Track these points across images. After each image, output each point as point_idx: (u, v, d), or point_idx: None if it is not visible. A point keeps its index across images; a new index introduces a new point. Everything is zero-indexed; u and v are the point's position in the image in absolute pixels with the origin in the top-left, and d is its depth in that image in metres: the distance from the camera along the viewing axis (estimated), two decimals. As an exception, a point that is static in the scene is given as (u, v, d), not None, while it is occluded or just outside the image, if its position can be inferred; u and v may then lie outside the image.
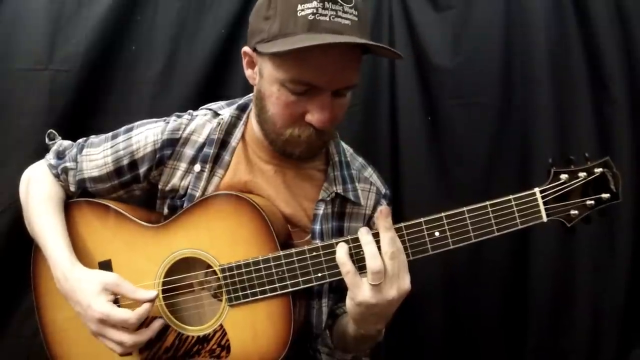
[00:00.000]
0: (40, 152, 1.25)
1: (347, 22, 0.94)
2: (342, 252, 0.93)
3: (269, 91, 1.01)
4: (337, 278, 0.98)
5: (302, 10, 0.92)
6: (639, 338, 1.65)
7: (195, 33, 1.70)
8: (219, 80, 1.71)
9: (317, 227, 1.13)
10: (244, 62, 1.08)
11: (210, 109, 1.18)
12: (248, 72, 1.09)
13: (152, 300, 1.04)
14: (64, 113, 1.59)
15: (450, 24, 1.74)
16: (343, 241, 0.96)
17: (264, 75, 1.02)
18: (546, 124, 1.67)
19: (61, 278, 1.07)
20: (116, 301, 1.06)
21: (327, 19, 0.92)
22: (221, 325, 1.07)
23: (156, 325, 1.06)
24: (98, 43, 1.63)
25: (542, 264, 1.67)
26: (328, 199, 1.15)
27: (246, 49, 1.06)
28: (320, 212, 1.13)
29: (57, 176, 1.19)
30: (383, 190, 1.24)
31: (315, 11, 0.91)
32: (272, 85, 1.00)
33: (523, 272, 1.70)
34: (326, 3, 0.92)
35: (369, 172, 1.25)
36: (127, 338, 1.02)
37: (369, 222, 1.20)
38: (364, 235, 0.92)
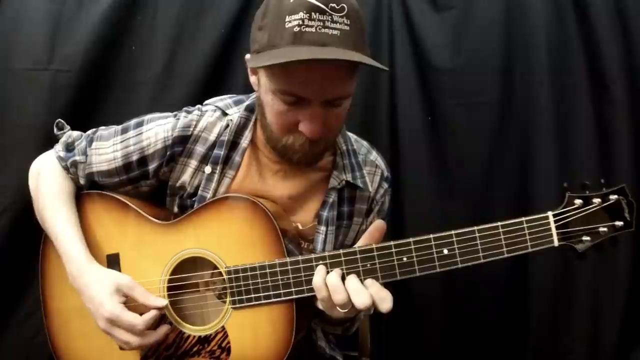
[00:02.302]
0: (40, 152, 1.25)
1: (335, 32, 0.92)
2: (318, 277, 0.96)
3: (265, 100, 1.03)
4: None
5: (289, 22, 0.92)
6: (638, 339, 1.66)
7: (195, 33, 1.70)
8: (219, 80, 1.70)
9: (325, 214, 1.16)
10: (248, 69, 1.09)
11: (217, 107, 1.18)
12: (252, 79, 1.10)
13: (161, 308, 1.06)
14: (64, 113, 1.57)
15: (450, 24, 1.74)
16: (322, 263, 0.98)
17: (260, 84, 1.04)
18: (546, 123, 1.68)
19: (75, 273, 1.08)
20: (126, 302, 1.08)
21: (313, 30, 0.91)
22: (223, 327, 1.07)
23: (163, 330, 1.08)
24: (98, 43, 1.63)
25: (542, 264, 1.68)
26: (339, 187, 1.17)
27: (248, 56, 1.06)
28: (330, 199, 1.16)
29: (66, 169, 1.19)
30: (386, 173, 1.27)
31: (301, 22, 0.91)
32: (267, 95, 1.02)
33: (523, 271, 1.70)
34: (313, 14, 0.91)
35: (374, 156, 1.28)
36: (133, 339, 1.04)
37: (372, 203, 1.24)
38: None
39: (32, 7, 1.61)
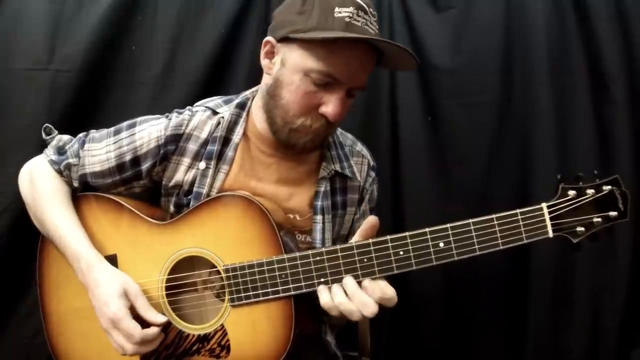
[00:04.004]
0: (41, 152, 1.25)
1: (372, 30, 1.05)
2: (326, 297, 0.98)
3: (289, 79, 1.07)
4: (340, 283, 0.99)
5: (340, 12, 1.02)
6: (639, 338, 1.65)
7: (195, 33, 1.70)
8: (219, 80, 1.71)
9: (319, 203, 1.19)
10: (263, 51, 1.13)
11: (207, 107, 1.20)
12: (265, 62, 1.13)
13: (159, 326, 1.06)
14: (64, 113, 1.58)
15: (450, 24, 1.74)
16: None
17: (286, 64, 1.08)
18: (546, 124, 1.68)
19: (85, 269, 1.08)
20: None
21: (359, 25, 1.03)
22: (222, 325, 1.07)
23: (157, 341, 1.07)
24: (98, 43, 1.63)
25: (542, 263, 1.68)
26: (328, 176, 1.21)
27: (269, 38, 1.11)
28: (322, 189, 1.20)
29: (59, 172, 1.19)
30: (372, 162, 1.33)
31: (351, 15, 1.02)
32: (294, 74, 1.06)
33: (523, 271, 1.70)
34: (360, 12, 1.03)
35: (360, 147, 1.33)
36: (128, 347, 1.04)
37: (362, 192, 1.29)
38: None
39: (32, 7, 1.61)
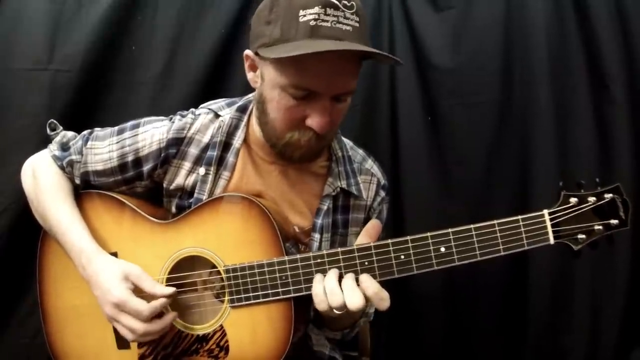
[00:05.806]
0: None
1: (348, 27, 0.94)
2: (319, 287, 0.97)
3: (270, 95, 1.02)
4: None
5: (304, 15, 0.92)
6: (638, 338, 1.65)
7: (195, 33, 1.70)
8: (219, 80, 1.71)
9: (319, 221, 1.16)
10: (246, 65, 1.09)
11: (211, 109, 1.19)
12: (250, 75, 1.09)
13: (169, 296, 1.05)
14: (64, 113, 1.58)
15: (450, 24, 1.74)
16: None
17: (265, 80, 1.03)
18: (546, 124, 1.68)
19: (85, 263, 1.09)
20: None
21: (329, 25, 0.93)
22: (221, 326, 1.07)
23: (168, 318, 1.07)
24: (98, 43, 1.63)
25: (541, 266, 1.68)
26: (333, 194, 1.17)
27: (248, 52, 1.06)
28: (325, 207, 1.16)
29: (62, 168, 1.19)
30: (382, 181, 1.26)
31: (317, 17, 0.92)
32: (273, 90, 1.00)
33: (523, 272, 1.70)
34: (328, 9, 0.92)
35: (370, 164, 1.27)
36: (138, 326, 1.03)
37: (369, 211, 1.24)
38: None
39: (32, 7, 1.61)
